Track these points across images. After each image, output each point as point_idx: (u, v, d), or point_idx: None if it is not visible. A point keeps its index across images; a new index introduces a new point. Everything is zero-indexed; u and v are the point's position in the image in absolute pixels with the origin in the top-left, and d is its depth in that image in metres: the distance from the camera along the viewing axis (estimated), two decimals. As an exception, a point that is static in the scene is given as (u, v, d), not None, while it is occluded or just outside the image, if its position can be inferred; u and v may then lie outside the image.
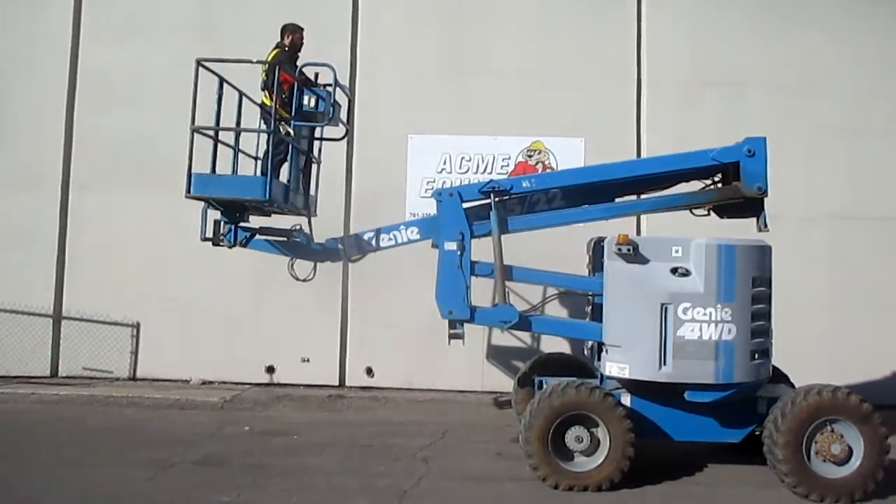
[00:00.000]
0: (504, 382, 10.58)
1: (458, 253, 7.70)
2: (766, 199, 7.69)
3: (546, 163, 11.41)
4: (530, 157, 11.45)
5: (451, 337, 7.95)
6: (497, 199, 7.86)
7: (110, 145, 11.73)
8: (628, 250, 7.01)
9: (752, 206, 7.74)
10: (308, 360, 11.42)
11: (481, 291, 8.48)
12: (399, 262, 10.79)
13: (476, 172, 11.35)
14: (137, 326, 11.60)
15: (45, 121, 11.83)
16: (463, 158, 11.48)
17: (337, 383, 11.40)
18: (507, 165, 11.41)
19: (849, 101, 11.34)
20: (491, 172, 11.30)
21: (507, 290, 7.84)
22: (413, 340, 11.06)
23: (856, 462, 6.64)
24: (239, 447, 8.00)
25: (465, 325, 7.91)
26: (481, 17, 11.67)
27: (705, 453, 7.67)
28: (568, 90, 11.39)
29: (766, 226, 7.68)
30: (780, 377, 7.95)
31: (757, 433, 7.10)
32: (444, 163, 11.47)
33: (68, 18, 11.95)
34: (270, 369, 11.44)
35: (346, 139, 10.33)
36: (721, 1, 11.64)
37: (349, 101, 9.61)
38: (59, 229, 11.76)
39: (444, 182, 11.18)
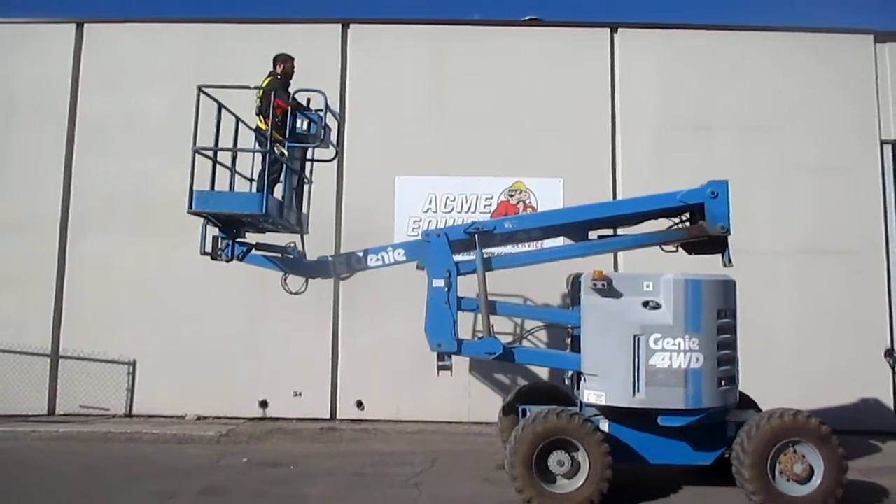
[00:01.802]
0: (489, 413, 10.96)
1: (446, 290, 8.21)
2: (729, 237, 8.27)
3: (527, 202, 11.98)
4: (512, 196, 12.02)
5: (440, 368, 8.41)
6: (481, 239, 8.41)
7: (107, 190, 12.21)
8: (603, 285, 7.57)
9: (717, 243, 8.32)
10: (300, 395, 11.79)
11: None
12: (387, 298, 11.39)
13: (460, 212, 11.90)
14: (133, 364, 11.93)
15: (44, 166, 12.29)
16: (448, 198, 12.03)
17: (328, 416, 11.77)
18: (490, 204, 11.98)
19: (810, 140, 12.09)
20: (474, 211, 11.88)
21: (491, 323, 8.31)
22: (401, 374, 11.49)
23: (817, 481, 7.17)
24: (238, 477, 8.40)
25: (453, 357, 8.37)
26: (463, 65, 12.36)
27: (680, 476, 8.16)
28: (547, 133, 12.06)
29: (730, 262, 8.25)
30: (748, 403, 8.47)
31: (727, 456, 7.61)
32: (430, 202, 12.02)
33: (68, 67, 12.51)
34: (264, 404, 11.80)
35: (335, 165, 11.13)
36: (689, 49, 12.41)
37: (339, 125, 10.10)
38: (57, 271, 12.14)
39: (430, 221, 11.74)
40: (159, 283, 11.98)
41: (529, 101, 12.20)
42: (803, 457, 7.19)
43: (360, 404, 11.78)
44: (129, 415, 11.82)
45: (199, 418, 11.65)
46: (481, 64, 12.34)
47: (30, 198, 12.20)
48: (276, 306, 11.69)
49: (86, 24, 12.66)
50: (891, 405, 11.59)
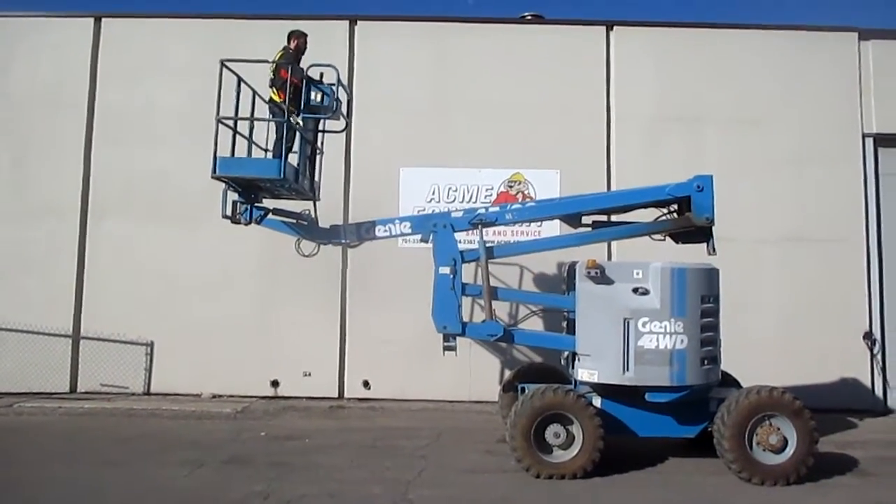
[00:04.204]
0: (489, 392, 11.61)
1: (452, 276, 8.84)
2: (714, 227, 8.90)
3: (525, 192, 12.57)
4: (511, 187, 12.61)
5: (446, 349, 9.09)
6: (483, 229, 9.08)
7: (125, 179, 12.77)
8: (596, 273, 8.21)
9: (702, 233, 8.99)
10: (309, 375, 12.42)
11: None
12: (392, 284, 12.04)
13: (462, 202, 12.46)
14: (151, 345, 12.53)
15: (64, 156, 12.83)
16: (450, 189, 12.61)
17: (336, 395, 12.41)
18: (490, 195, 12.57)
19: (795, 134, 12.69)
20: (475, 201, 12.46)
21: (493, 308, 8.96)
22: (406, 355, 12.11)
23: (790, 450, 7.84)
24: (259, 449, 9.06)
25: (457, 338, 9.04)
26: (465, 62, 12.91)
27: (666, 448, 8.85)
28: (544, 126, 12.62)
29: (714, 250, 8.90)
30: (730, 381, 9.14)
31: (709, 429, 8.27)
32: (433, 193, 12.60)
33: (86, 62, 13.02)
34: (275, 383, 12.43)
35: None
36: (681, 45, 12.97)
37: (349, 99, 10.64)
38: (77, 255, 12.72)
39: (433, 211, 12.19)
40: (175, 267, 12.57)
41: (528, 96, 12.74)
42: (778, 429, 7.84)
43: (366, 384, 12.39)
44: (148, 393, 12.42)
45: (214, 396, 12.26)
46: (482, 60, 12.88)
47: (51, 186, 12.75)
48: (287, 290, 12.39)
49: (103, 19, 13.16)
50: (868, 385, 12.27)
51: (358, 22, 13.04)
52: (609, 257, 12.24)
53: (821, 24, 13.18)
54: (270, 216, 9.51)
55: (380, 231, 9.60)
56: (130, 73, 12.95)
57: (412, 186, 12.61)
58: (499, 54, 12.91)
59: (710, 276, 8.36)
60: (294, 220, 9.69)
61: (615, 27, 12.98)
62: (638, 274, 8.21)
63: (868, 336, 12.33)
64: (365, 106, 12.55)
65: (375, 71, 12.87)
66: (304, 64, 9.51)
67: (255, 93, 9.41)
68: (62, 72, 13.00)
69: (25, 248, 12.60)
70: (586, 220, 9.84)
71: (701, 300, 8.12)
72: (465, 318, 9.37)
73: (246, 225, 9.46)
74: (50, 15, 13.25)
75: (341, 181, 12.52)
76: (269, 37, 12.46)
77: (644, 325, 7.98)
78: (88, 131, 12.93)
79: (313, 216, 9.79)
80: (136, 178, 12.76)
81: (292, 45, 9.67)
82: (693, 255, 8.96)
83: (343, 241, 10.05)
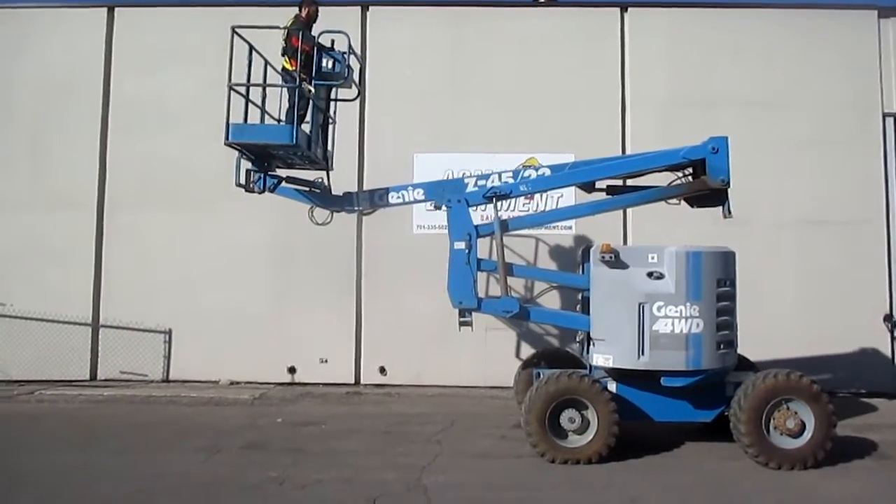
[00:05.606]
0: (504, 377, 11.50)
1: (467, 251, 8.83)
2: (729, 190, 8.84)
3: (540, 177, 12.47)
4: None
5: (461, 324, 9.08)
6: (498, 202, 9.09)
7: (141, 168, 12.84)
8: (611, 258, 8.15)
9: (717, 197, 8.94)
10: (326, 361, 12.50)
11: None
12: (407, 270, 12.05)
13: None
14: (169, 333, 12.66)
15: (80, 147, 12.91)
16: (464, 174, 12.48)
17: (353, 381, 12.48)
18: (505, 180, 12.48)
19: (812, 115, 12.51)
20: (491, 187, 12.39)
21: (508, 284, 8.94)
22: (422, 341, 12.16)
23: (808, 435, 7.76)
24: (275, 435, 9.13)
25: (473, 316, 9.04)
26: (478, 46, 12.84)
27: (683, 433, 8.80)
28: (559, 110, 12.55)
29: (730, 213, 8.86)
30: (747, 365, 9.07)
31: (726, 413, 8.21)
32: (447, 178, 12.54)
33: (100, 52, 13.08)
34: (292, 370, 12.52)
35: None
36: (696, 26, 12.81)
37: (361, 67, 10.61)
38: (95, 245, 12.86)
39: (447, 197, 12.28)
40: (191, 256, 12.67)
41: (543, 80, 12.66)
42: (795, 413, 7.77)
43: (382, 370, 12.45)
44: (167, 380, 12.56)
45: (232, 383, 12.38)
46: (496, 44, 12.81)
47: (68, 176, 12.86)
48: (303, 277, 12.47)
49: (116, 8, 13.20)
50: (889, 368, 12.14)
51: (370, 8, 12.97)
52: (625, 228, 12.26)
53: (839, 1, 12.97)
54: (284, 184, 9.50)
55: (393, 198, 9.58)
56: (144, 61, 12.98)
57: (426, 172, 12.49)
58: (512, 38, 12.82)
59: (726, 260, 8.27)
60: (307, 189, 9.69)
61: (629, 8, 12.85)
62: (653, 258, 8.14)
63: (888, 318, 12.21)
64: (378, 92, 12.50)
65: (388, 57, 12.80)
66: (314, 32, 9.41)
67: (266, 62, 9.37)
68: (76, 62, 13.05)
69: (44, 238, 12.71)
70: (601, 185, 9.76)
71: (717, 284, 8.03)
72: (481, 295, 9.37)
73: (259, 193, 9.45)
74: (62, 5, 13.31)
75: (355, 168, 12.52)
76: (280, 23, 12.58)
77: (659, 309, 7.91)
78: (104, 121, 12.99)
79: (326, 184, 9.76)
80: (151, 167, 12.82)
81: (303, 13, 9.57)
82: (709, 239, 8.89)
83: (356, 208, 10.01)
